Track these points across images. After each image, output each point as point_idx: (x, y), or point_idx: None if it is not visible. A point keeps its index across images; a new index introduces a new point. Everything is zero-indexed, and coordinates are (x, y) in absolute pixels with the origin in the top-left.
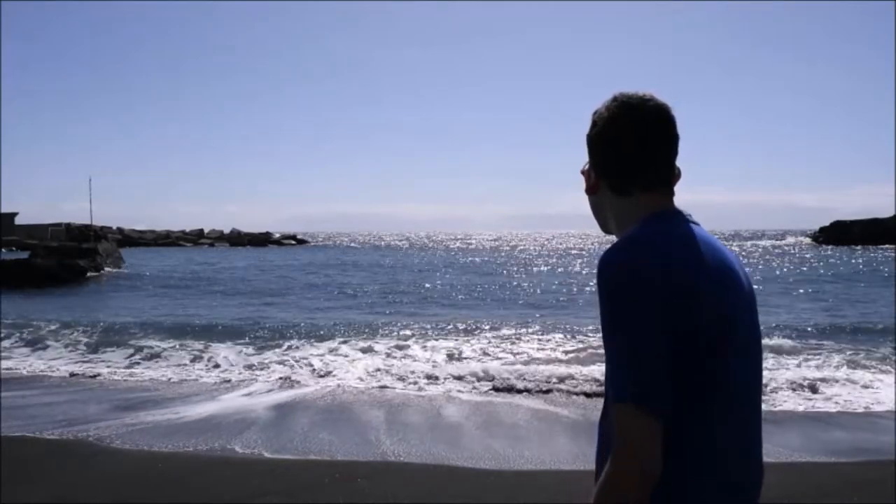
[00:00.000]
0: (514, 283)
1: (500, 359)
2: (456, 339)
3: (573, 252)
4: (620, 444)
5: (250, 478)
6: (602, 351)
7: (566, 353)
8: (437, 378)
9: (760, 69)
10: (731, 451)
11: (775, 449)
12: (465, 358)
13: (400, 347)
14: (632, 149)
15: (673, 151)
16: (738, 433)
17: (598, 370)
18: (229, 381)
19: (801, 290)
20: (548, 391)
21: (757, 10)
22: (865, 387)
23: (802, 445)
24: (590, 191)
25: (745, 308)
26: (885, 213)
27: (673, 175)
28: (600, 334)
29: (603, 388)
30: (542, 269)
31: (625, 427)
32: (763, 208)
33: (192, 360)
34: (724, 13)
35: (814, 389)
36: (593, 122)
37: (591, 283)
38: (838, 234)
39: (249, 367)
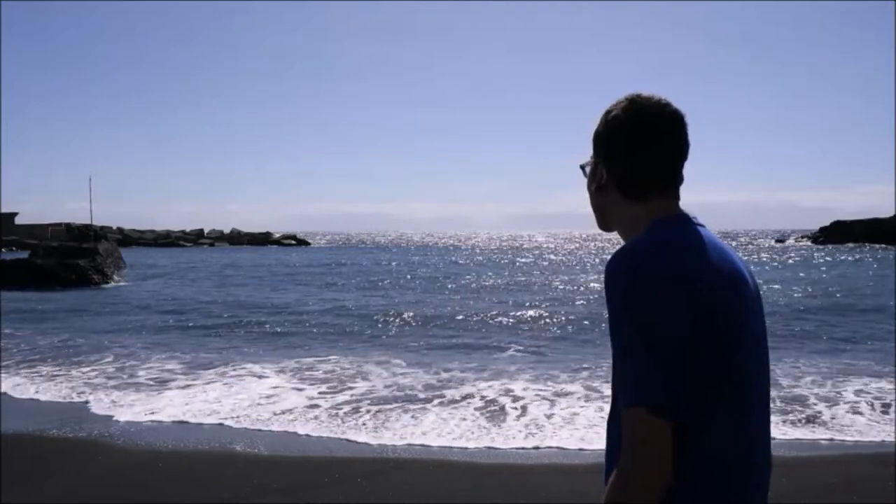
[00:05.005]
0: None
1: None
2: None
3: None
4: (631, 448)
5: (250, 478)
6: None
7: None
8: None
9: (761, 69)
10: (744, 451)
11: (775, 448)
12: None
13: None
14: (650, 152)
15: (685, 158)
16: (750, 433)
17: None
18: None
19: (797, 289)
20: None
21: (756, 9)
22: (864, 385)
23: (802, 445)
24: (597, 189)
25: (752, 309)
26: (886, 213)
27: (680, 181)
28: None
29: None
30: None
31: (636, 431)
32: (764, 208)
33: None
34: (723, 12)
35: (813, 389)
36: (607, 120)
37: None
38: (839, 234)
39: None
